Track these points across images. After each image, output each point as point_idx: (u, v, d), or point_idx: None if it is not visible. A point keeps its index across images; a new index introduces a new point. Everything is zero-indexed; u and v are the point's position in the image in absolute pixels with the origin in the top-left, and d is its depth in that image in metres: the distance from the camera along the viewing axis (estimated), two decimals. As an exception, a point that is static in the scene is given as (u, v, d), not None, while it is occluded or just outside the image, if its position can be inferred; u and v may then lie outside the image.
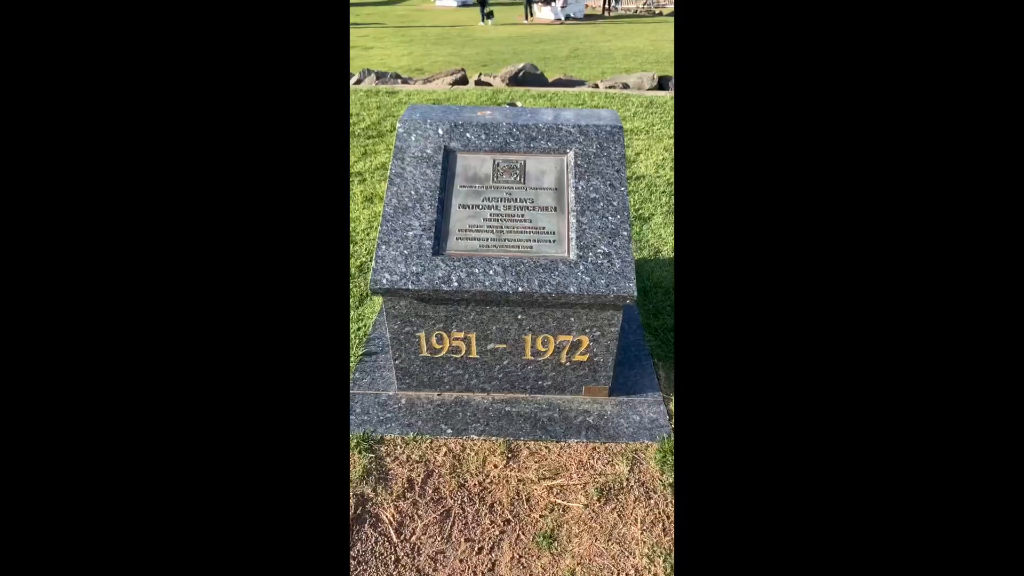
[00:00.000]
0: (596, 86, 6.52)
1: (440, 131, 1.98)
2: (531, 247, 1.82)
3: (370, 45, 13.31)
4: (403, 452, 1.84)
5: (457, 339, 1.90)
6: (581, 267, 1.78)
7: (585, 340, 1.89)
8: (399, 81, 6.85)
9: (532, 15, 20.02)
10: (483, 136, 1.98)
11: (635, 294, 1.73)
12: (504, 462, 1.81)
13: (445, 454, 1.84)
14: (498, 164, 1.95)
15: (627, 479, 1.75)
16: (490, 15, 18.17)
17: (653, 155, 4.18)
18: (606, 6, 22.50)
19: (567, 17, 19.91)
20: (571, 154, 1.95)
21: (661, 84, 6.38)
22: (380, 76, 6.92)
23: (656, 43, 14.27)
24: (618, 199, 1.88)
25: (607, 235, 1.82)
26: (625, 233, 1.83)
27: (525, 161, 1.95)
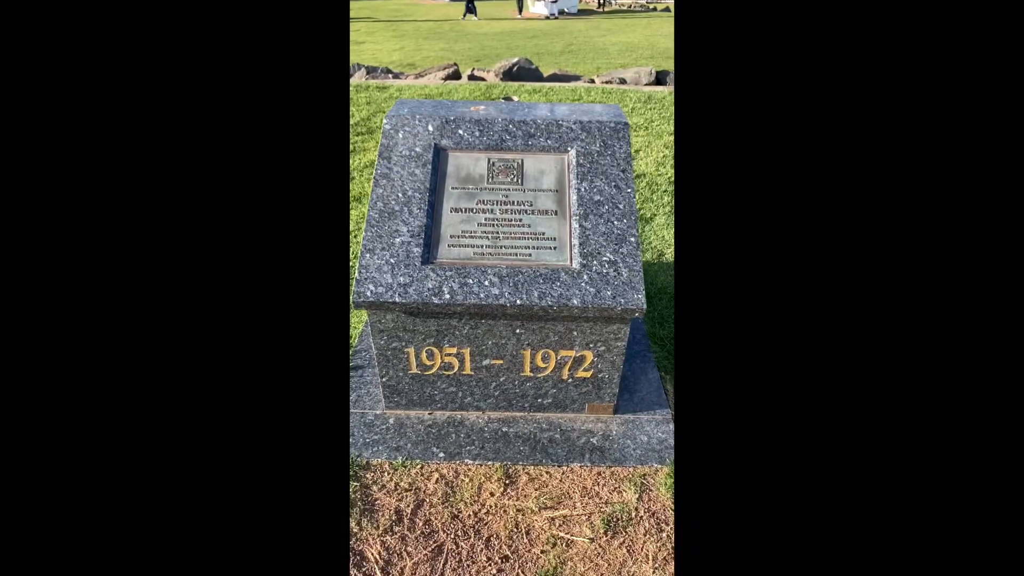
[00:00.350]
0: (592, 81, 6.36)
1: (430, 127, 1.82)
2: (530, 255, 1.67)
3: (361, 39, 13.12)
4: (391, 479, 1.68)
5: (449, 355, 1.74)
6: (585, 277, 1.62)
7: (589, 355, 1.74)
8: (390, 76, 6.66)
9: (524, 9, 19.85)
10: (477, 133, 1.82)
11: (644, 307, 1.58)
12: (501, 489, 1.66)
13: (437, 481, 1.68)
14: (493, 163, 1.79)
15: (636, 508, 1.60)
16: (472, 10, 18.10)
17: (653, 152, 4.03)
18: (600, 1, 22.34)
19: (560, 12, 19.75)
20: (572, 152, 1.80)
21: (659, 79, 6.23)
22: (371, 71, 6.73)
23: (651, 38, 14.15)
24: (624, 202, 1.73)
25: (613, 241, 1.67)
26: (632, 239, 1.67)
27: (523, 160, 1.79)
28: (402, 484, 1.67)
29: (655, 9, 22.03)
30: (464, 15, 17.92)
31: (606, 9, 22.09)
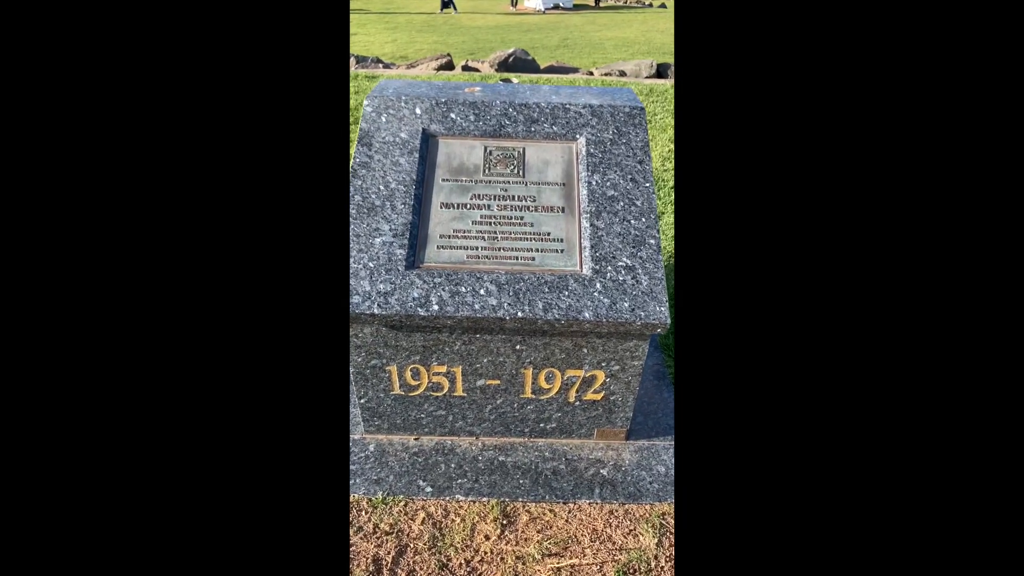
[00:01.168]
0: (591, 73, 6.13)
1: (418, 111, 1.58)
2: (533, 259, 1.43)
3: (353, 31, 12.85)
4: (369, 520, 1.44)
5: (438, 374, 1.50)
6: (598, 285, 1.38)
7: (600, 376, 1.50)
8: (380, 65, 6.39)
9: (518, 3, 19.64)
10: (472, 117, 1.58)
11: (668, 321, 1.35)
12: (498, 531, 1.42)
13: (423, 521, 1.44)
14: (490, 152, 1.55)
15: (655, 556, 1.37)
16: (448, 3, 17.84)
17: (658, 146, 3.80)
18: (595, -4, 22.17)
19: (555, 6, 19.55)
20: (582, 140, 1.56)
21: (660, 72, 6.00)
22: (360, 60, 6.46)
23: (647, 34, 13.98)
24: (642, 198, 1.49)
25: (630, 244, 1.43)
26: (652, 241, 1.44)
27: (524, 149, 1.55)
28: (382, 526, 1.43)
29: (650, 5, 21.88)
30: (444, 9, 17.63)
31: (601, 5, 21.91)
